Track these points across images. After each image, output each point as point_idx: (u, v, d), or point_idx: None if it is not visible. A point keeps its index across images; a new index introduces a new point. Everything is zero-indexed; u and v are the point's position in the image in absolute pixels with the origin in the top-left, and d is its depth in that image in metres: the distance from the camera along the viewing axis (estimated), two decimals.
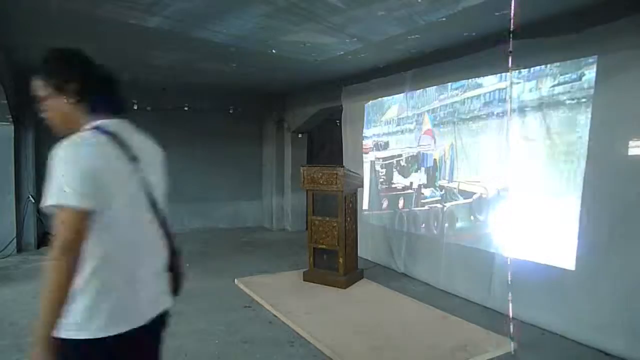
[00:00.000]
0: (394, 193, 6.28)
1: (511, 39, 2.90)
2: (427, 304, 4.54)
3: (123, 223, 1.41)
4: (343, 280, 5.07)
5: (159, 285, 1.63)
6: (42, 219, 7.49)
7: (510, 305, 3.10)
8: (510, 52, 3.31)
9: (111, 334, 1.38)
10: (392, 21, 4.08)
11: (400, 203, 6.13)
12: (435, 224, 5.45)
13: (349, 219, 5.21)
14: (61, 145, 1.46)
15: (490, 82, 4.72)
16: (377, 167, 6.61)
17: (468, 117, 4.98)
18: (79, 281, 1.38)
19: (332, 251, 5.16)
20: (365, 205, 6.70)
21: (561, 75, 3.99)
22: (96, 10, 3.84)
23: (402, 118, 6.07)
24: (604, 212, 3.57)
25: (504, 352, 3.42)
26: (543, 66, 4.13)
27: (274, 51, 5.19)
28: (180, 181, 8.71)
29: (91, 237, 1.37)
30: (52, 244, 1.38)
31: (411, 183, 5.96)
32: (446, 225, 5.25)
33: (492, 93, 4.71)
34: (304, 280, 5.32)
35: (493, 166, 4.65)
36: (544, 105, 4.10)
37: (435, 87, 5.44)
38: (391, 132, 6.35)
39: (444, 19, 3.93)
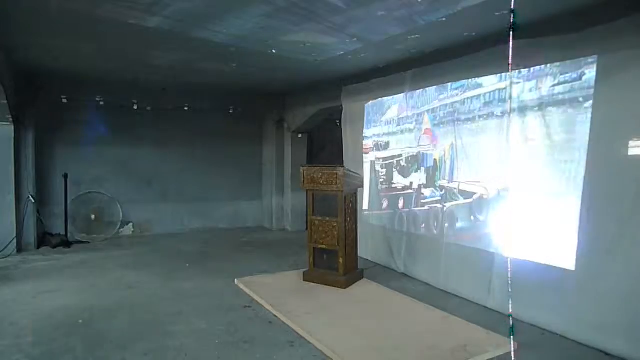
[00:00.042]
0: (394, 193, 6.28)
1: (511, 39, 2.90)
2: (427, 304, 4.54)
3: None
4: (343, 280, 5.07)
5: None
6: (42, 219, 7.50)
7: (510, 305, 3.08)
8: (510, 52, 3.30)
9: None
10: (392, 21, 4.08)
11: (401, 203, 6.13)
12: (435, 224, 5.45)
13: (349, 219, 5.21)
14: None
15: (490, 82, 4.72)
16: (377, 167, 6.61)
17: (468, 117, 4.98)
18: None
19: (332, 251, 5.16)
20: (365, 206, 6.70)
21: (561, 74, 3.99)
22: (96, 10, 3.84)
23: (402, 118, 6.07)
24: (604, 212, 3.57)
25: (504, 352, 3.41)
26: (543, 66, 4.13)
27: (274, 51, 5.19)
28: (180, 181, 8.78)
29: None
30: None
31: (411, 183, 5.96)
32: (446, 225, 5.25)
33: (492, 93, 4.71)
34: (304, 280, 5.32)
35: (493, 166, 4.65)
36: (544, 105, 4.10)
37: (435, 87, 5.44)
38: (391, 132, 6.35)
39: (444, 19, 3.93)
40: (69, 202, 7.59)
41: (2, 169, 6.69)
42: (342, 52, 5.24)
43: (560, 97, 3.99)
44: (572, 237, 3.80)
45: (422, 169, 5.75)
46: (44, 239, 7.45)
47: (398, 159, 6.23)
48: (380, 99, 6.46)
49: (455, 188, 5.18)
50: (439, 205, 5.40)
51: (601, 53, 3.61)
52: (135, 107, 8.04)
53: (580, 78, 3.83)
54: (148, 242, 7.85)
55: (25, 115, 6.93)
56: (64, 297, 4.75)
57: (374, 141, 6.66)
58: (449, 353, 3.43)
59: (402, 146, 6.14)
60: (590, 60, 3.73)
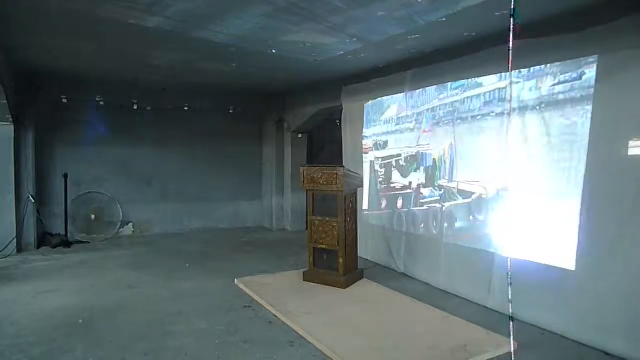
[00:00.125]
0: (394, 193, 6.28)
1: (511, 39, 2.90)
2: (427, 304, 4.54)
3: None
4: (343, 280, 5.07)
5: None
6: (42, 219, 7.50)
7: (510, 305, 3.09)
8: (510, 50, 3.30)
9: None
10: (392, 21, 4.08)
11: (400, 203, 6.13)
12: (435, 224, 5.45)
13: (349, 219, 5.21)
14: None
15: (490, 82, 4.72)
16: (377, 167, 6.61)
17: (468, 116, 4.98)
18: None
19: (332, 251, 5.16)
20: (365, 205, 6.70)
21: (561, 74, 3.98)
22: (96, 10, 3.84)
23: (402, 117, 6.07)
24: (604, 211, 3.57)
25: (504, 352, 3.41)
26: (543, 65, 4.13)
27: (274, 51, 5.19)
28: (180, 181, 8.78)
29: None
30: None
31: (410, 183, 5.96)
32: (446, 225, 5.25)
33: (492, 92, 4.71)
34: (304, 280, 5.32)
35: (493, 166, 4.64)
36: (543, 104, 4.10)
37: (435, 86, 5.44)
38: (390, 131, 6.35)
39: (444, 19, 3.93)
40: (69, 202, 7.59)
41: (2, 169, 6.69)
42: (342, 52, 5.24)
43: (561, 96, 3.98)
44: (572, 237, 3.80)
45: (421, 168, 5.75)
46: (44, 239, 7.45)
47: (397, 158, 6.23)
48: (380, 98, 6.46)
49: (454, 188, 5.18)
50: (438, 205, 5.40)
51: (601, 53, 3.61)
52: (135, 107, 8.04)
53: (580, 77, 3.83)
54: (148, 242, 7.85)
55: (25, 115, 6.93)
56: (64, 297, 4.75)
57: (374, 141, 6.66)
58: (449, 353, 3.43)
59: (401, 146, 6.14)
60: (590, 60, 3.73)
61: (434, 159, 5.51)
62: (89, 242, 7.68)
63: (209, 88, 8.37)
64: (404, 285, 5.31)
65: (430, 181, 5.59)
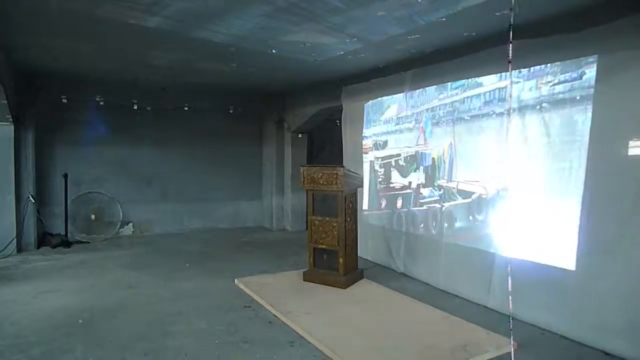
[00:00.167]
0: (393, 193, 6.28)
1: (511, 39, 2.90)
2: (427, 304, 4.54)
3: None
4: (343, 280, 5.07)
5: None
6: (42, 219, 7.50)
7: (510, 305, 3.09)
8: (510, 50, 3.30)
9: None
10: (392, 21, 4.08)
11: (399, 203, 6.13)
12: (434, 224, 5.45)
13: (349, 219, 5.21)
14: None
15: (490, 81, 4.72)
16: (376, 167, 6.61)
17: (468, 116, 4.98)
18: None
19: (332, 251, 5.16)
20: (365, 205, 6.70)
21: (562, 73, 3.98)
22: (96, 10, 3.84)
23: (401, 117, 6.07)
24: (604, 211, 3.57)
25: (504, 352, 3.41)
26: (543, 65, 4.12)
27: (274, 51, 5.19)
28: (180, 181, 8.78)
29: None
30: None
31: (410, 183, 5.96)
32: (445, 225, 5.25)
33: (491, 92, 4.71)
34: (304, 280, 5.32)
35: (492, 166, 4.64)
36: (544, 104, 4.10)
37: (434, 86, 5.44)
38: (390, 131, 6.35)
39: (444, 19, 3.93)
40: (69, 202, 7.59)
41: (2, 169, 6.69)
42: (342, 52, 5.24)
43: (561, 96, 3.98)
44: (572, 237, 3.80)
45: (421, 168, 5.75)
46: (44, 239, 7.45)
47: (397, 158, 6.23)
48: (379, 98, 6.46)
49: (454, 188, 5.18)
50: (437, 205, 5.40)
51: (601, 53, 3.61)
52: (135, 107, 8.04)
53: (580, 77, 3.83)
54: (148, 242, 7.85)
55: (25, 115, 6.93)
56: (64, 297, 4.75)
57: (374, 141, 6.66)
58: (449, 353, 3.43)
59: (400, 145, 6.14)
60: (590, 59, 3.72)
61: (433, 159, 5.51)
62: (89, 242, 7.68)
63: (209, 88, 8.37)
64: (404, 285, 5.31)
65: (429, 181, 5.59)
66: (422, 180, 5.71)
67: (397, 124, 6.18)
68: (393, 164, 6.30)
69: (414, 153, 5.87)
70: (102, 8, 3.79)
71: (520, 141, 4.24)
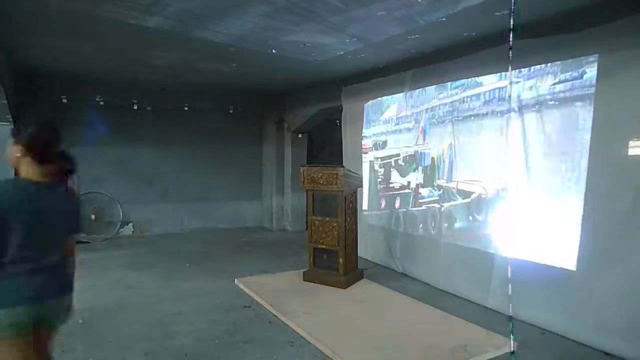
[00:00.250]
0: (392, 193, 6.28)
1: (511, 39, 2.90)
2: (427, 304, 4.54)
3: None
4: (343, 280, 5.07)
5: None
6: None
7: (510, 305, 3.09)
8: (510, 49, 3.31)
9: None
10: (392, 21, 4.08)
11: (399, 203, 6.13)
12: (433, 224, 5.45)
13: (349, 219, 5.21)
14: None
15: (490, 81, 4.72)
16: (376, 167, 6.61)
17: (467, 115, 4.97)
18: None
19: (332, 251, 5.16)
20: (364, 205, 6.70)
21: (562, 73, 3.98)
22: (96, 10, 3.84)
23: (401, 117, 6.07)
24: (605, 211, 3.57)
25: (504, 352, 3.42)
26: (543, 65, 4.12)
27: (274, 51, 5.19)
28: (180, 181, 8.78)
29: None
30: None
31: (409, 183, 5.96)
32: (445, 225, 5.25)
33: (491, 92, 4.71)
34: (304, 280, 5.32)
35: (492, 165, 4.64)
36: (544, 103, 4.10)
37: (434, 86, 5.44)
38: (389, 131, 6.35)
39: (444, 19, 3.93)
40: None
41: (3, 169, 6.67)
42: (342, 52, 5.24)
43: (561, 95, 3.98)
44: (572, 237, 3.80)
45: (420, 168, 5.75)
46: None
47: (396, 158, 6.23)
48: (379, 98, 6.46)
49: (453, 188, 5.18)
50: (436, 205, 5.40)
51: (601, 52, 3.61)
52: (135, 107, 8.05)
53: (581, 76, 3.82)
54: (148, 242, 7.85)
55: (25, 115, 6.92)
56: None
57: (373, 141, 6.66)
58: (449, 353, 3.43)
59: (400, 145, 6.14)
60: (591, 59, 3.72)
61: (433, 159, 5.51)
62: (89, 242, 7.68)
63: (209, 88, 8.37)
64: (404, 285, 5.31)
65: (429, 181, 5.59)
66: (421, 180, 5.71)
67: (397, 124, 6.18)
68: (392, 163, 6.30)
69: (413, 153, 5.87)
70: (102, 8, 3.80)
71: (520, 140, 4.24)
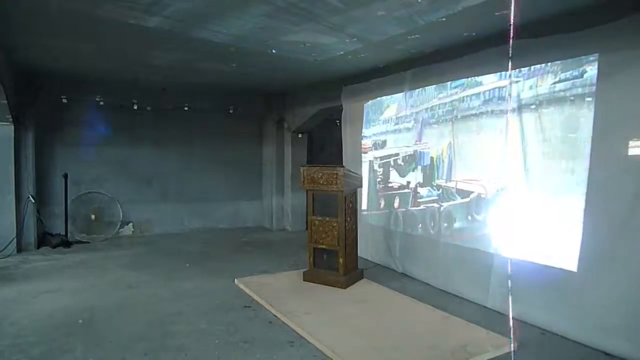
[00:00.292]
0: (392, 192, 6.28)
1: (511, 39, 2.91)
2: (427, 304, 4.54)
3: None
4: (343, 280, 5.07)
5: None
6: (42, 219, 7.50)
7: (510, 305, 3.10)
8: (510, 51, 3.32)
9: None
10: (392, 21, 4.08)
11: (398, 202, 6.12)
12: (432, 224, 5.45)
13: (349, 219, 5.21)
14: None
15: (489, 80, 4.71)
16: (375, 167, 6.61)
17: (467, 115, 4.97)
18: None
19: (332, 251, 5.16)
20: (364, 205, 6.70)
21: (562, 72, 3.97)
22: (96, 10, 3.84)
23: (401, 117, 6.07)
24: (607, 212, 3.56)
25: (504, 352, 3.42)
26: (543, 64, 4.12)
27: (274, 51, 5.19)
28: (180, 181, 8.78)
29: None
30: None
31: (408, 182, 5.96)
32: (445, 225, 5.25)
33: (491, 91, 4.71)
34: (304, 280, 5.32)
35: (492, 165, 4.64)
36: (544, 102, 4.09)
37: (434, 85, 5.43)
38: (389, 130, 6.35)
39: (444, 19, 3.93)
40: (69, 202, 7.59)
41: (2, 169, 6.69)
42: (342, 52, 5.24)
43: (561, 94, 3.97)
44: (572, 238, 3.79)
45: (419, 167, 5.74)
46: (44, 239, 7.45)
47: (395, 157, 6.23)
48: (379, 98, 6.46)
49: (452, 187, 5.18)
50: (435, 205, 5.39)
51: (602, 52, 3.61)
52: (135, 107, 8.05)
53: (581, 75, 3.81)
54: (148, 242, 7.85)
55: (25, 115, 6.93)
56: (64, 297, 4.75)
57: (373, 140, 6.66)
58: (449, 353, 3.43)
59: (399, 145, 6.13)
60: (591, 58, 3.72)
61: (432, 158, 5.50)
62: (89, 242, 7.68)
63: (209, 88, 8.37)
64: (404, 285, 5.31)
65: (428, 180, 5.59)
66: (421, 179, 5.71)
67: (397, 123, 6.18)
68: (392, 163, 6.30)
69: (412, 152, 5.87)
70: (102, 8, 3.79)
71: (520, 140, 4.24)
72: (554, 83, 4.03)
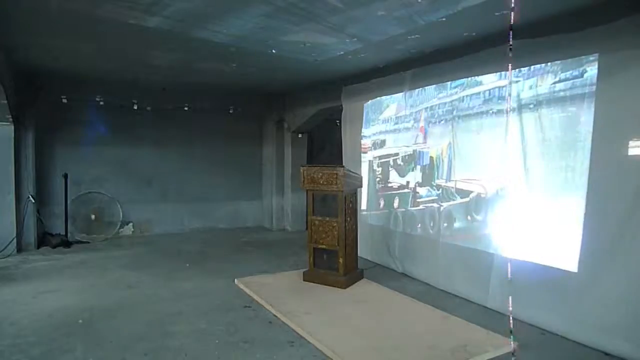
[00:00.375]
0: (391, 192, 6.28)
1: (511, 39, 2.90)
2: (427, 304, 4.54)
3: None
4: (343, 280, 5.06)
5: None
6: (42, 219, 7.50)
7: (510, 305, 3.09)
8: (511, 49, 3.31)
9: None
10: (392, 21, 4.08)
11: (397, 202, 6.12)
12: (432, 224, 5.45)
13: (349, 219, 5.21)
14: None
15: (489, 80, 4.72)
16: (375, 167, 6.61)
17: (467, 115, 4.97)
18: None
19: (332, 251, 5.16)
20: (363, 205, 6.70)
21: (562, 72, 3.97)
22: (96, 10, 3.84)
23: (400, 117, 6.07)
24: (608, 211, 3.55)
25: (504, 352, 3.41)
26: (543, 64, 4.12)
27: (274, 51, 5.19)
28: (180, 181, 8.79)
29: None
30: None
31: (408, 182, 5.96)
32: (445, 225, 5.25)
33: (491, 91, 4.71)
34: (304, 280, 5.32)
35: (492, 165, 4.64)
36: (544, 102, 4.09)
37: (434, 85, 5.43)
38: (389, 130, 6.35)
39: (444, 19, 3.93)
40: (69, 202, 7.59)
41: (2, 169, 6.69)
42: (342, 52, 5.24)
43: (561, 94, 3.97)
44: (573, 238, 3.79)
45: (419, 167, 5.74)
46: (44, 239, 7.45)
47: (394, 157, 6.23)
48: (379, 98, 6.46)
49: (452, 187, 5.18)
50: (435, 205, 5.39)
51: (602, 52, 3.61)
52: (135, 107, 8.05)
53: (581, 75, 3.82)
54: (148, 242, 7.85)
55: (25, 115, 6.93)
56: (64, 297, 4.75)
57: (372, 140, 6.66)
58: (449, 353, 3.43)
59: (399, 144, 6.13)
60: (591, 58, 3.72)
61: (432, 158, 5.51)
62: (89, 242, 7.68)
63: (209, 88, 8.36)
64: (404, 285, 5.31)
65: (427, 180, 5.59)
66: (420, 179, 5.71)
67: (396, 123, 6.18)
68: (391, 163, 6.30)
69: (412, 152, 5.87)
70: (102, 8, 3.80)
71: (520, 140, 4.24)
72: (554, 83, 4.04)
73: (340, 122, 7.39)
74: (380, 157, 6.51)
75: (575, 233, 3.78)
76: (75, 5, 3.77)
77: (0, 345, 3.54)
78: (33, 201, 7.02)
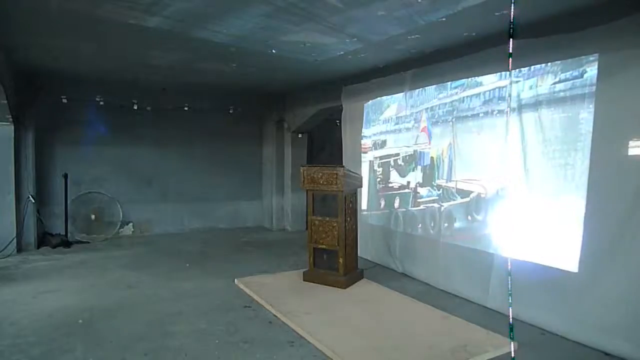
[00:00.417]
0: (392, 192, 6.28)
1: (511, 39, 2.90)
2: (427, 304, 4.54)
3: None
4: (343, 280, 5.06)
5: None
6: (42, 219, 7.50)
7: (510, 305, 3.08)
8: (510, 51, 3.30)
9: None
10: (392, 21, 4.08)
11: (398, 202, 6.12)
12: (432, 224, 5.45)
13: (349, 219, 5.21)
14: None
15: (490, 80, 4.72)
16: (375, 167, 6.61)
17: (467, 115, 4.97)
18: None
19: (332, 251, 5.16)
20: (364, 205, 6.70)
21: (562, 72, 3.97)
22: (96, 10, 3.84)
23: (401, 117, 6.07)
24: (608, 211, 3.55)
25: (504, 352, 3.41)
26: (543, 64, 4.12)
27: (274, 51, 5.19)
28: (180, 181, 8.79)
29: None
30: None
31: (408, 182, 5.96)
32: (445, 225, 5.25)
33: (491, 91, 4.71)
34: (304, 280, 5.32)
35: (492, 165, 4.64)
36: (544, 102, 4.09)
37: (434, 85, 5.43)
38: (389, 130, 6.35)
39: (444, 19, 3.93)
40: (69, 202, 7.59)
41: (2, 169, 6.69)
42: (342, 52, 5.24)
43: (562, 94, 3.97)
44: (573, 238, 3.79)
45: (419, 167, 5.74)
46: (44, 239, 7.45)
47: (395, 157, 6.23)
48: (379, 98, 6.46)
49: (452, 187, 5.18)
50: (436, 205, 5.39)
51: (602, 52, 3.61)
52: (135, 107, 8.05)
53: (581, 75, 3.82)
54: (148, 242, 7.85)
55: (25, 115, 6.93)
56: (64, 297, 4.75)
57: (373, 140, 6.66)
58: (449, 353, 3.43)
59: (399, 145, 6.13)
60: (591, 58, 3.72)
61: (432, 158, 5.51)
62: (89, 242, 7.68)
63: (209, 88, 8.37)
64: (404, 285, 5.31)
65: (428, 180, 5.59)
66: (421, 179, 5.71)
67: (397, 123, 6.18)
68: (392, 163, 6.30)
69: (412, 152, 5.87)
70: (102, 8, 3.80)
71: (520, 140, 4.24)
72: (554, 83, 4.04)
73: (340, 122, 7.39)
74: (381, 157, 6.51)
75: (575, 233, 3.78)
76: (75, 5, 3.77)
77: (0, 345, 3.54)
78: (33, 201, 7.03)
